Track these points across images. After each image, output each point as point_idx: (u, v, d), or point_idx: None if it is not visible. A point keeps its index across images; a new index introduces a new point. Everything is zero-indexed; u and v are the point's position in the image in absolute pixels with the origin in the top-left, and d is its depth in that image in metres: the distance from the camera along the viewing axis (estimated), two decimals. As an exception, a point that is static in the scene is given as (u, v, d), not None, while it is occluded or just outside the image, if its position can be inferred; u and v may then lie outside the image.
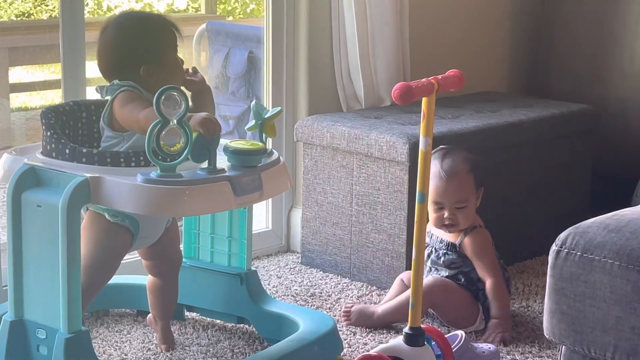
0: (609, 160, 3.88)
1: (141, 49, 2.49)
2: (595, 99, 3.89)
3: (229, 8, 6.66)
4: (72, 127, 2.56)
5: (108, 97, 2.48)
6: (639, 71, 3.88)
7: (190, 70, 2.58)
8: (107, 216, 2.50)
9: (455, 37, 3.91)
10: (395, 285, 3.02)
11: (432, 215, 2.91)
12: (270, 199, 3.58)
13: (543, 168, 3.54)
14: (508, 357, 2.75)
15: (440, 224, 2.91)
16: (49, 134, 2.41)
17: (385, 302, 2.97)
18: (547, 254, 2.05)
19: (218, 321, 2.93)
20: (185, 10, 6.45)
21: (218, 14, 6.19)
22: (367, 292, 3.21)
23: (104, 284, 2.56)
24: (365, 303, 3.09)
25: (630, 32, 3.89)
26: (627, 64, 3.90)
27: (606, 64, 3.95)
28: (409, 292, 2.73)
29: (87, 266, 2.40)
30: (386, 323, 2.94)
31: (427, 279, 2.89)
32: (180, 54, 2.58)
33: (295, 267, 3.47)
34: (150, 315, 2.78)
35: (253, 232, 2.88)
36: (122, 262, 2.88)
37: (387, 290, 3.09)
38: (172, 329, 2.81)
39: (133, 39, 2.50)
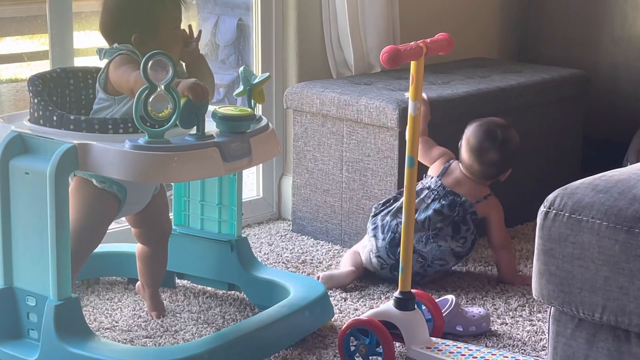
0: (600, 125, 3.88)
1: (134, 18, 2.46)
2: (585, 63, 3.88)
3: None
4: (59, 94, 2.55)
5: (105, 60, 2.47)
6: (629, 36, 3.87)
7: (195, 35, 2.55)
8: (94, 182, 2.49)
9: (445, 3, 3.89)
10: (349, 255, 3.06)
11: None
12: (260, 167, 3.58)
13: (534, 133, 3.53)
14: (498, 320, 2.76)
15: None
16: (36, 101, 2.40)
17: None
18: (538, 219, 2.05)
19: (209, 288, 2.93)
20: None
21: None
22: (358, 259, 3.21)
23: (91, 251, 2.56)
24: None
25: (621, -3, 3.88)
26: (618, 28, 3.89)
27: (596, 29, 3.94)
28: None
29: (74, 232, 2.39)
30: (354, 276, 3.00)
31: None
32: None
33: (286, 234, 3.47)
34: (138, 283, 2.78)
35: (244, 201, 2.88)
36: (114, 230, 2.89)
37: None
38: (162, 297, 2.81)
39: (127, 6, 2.47)
